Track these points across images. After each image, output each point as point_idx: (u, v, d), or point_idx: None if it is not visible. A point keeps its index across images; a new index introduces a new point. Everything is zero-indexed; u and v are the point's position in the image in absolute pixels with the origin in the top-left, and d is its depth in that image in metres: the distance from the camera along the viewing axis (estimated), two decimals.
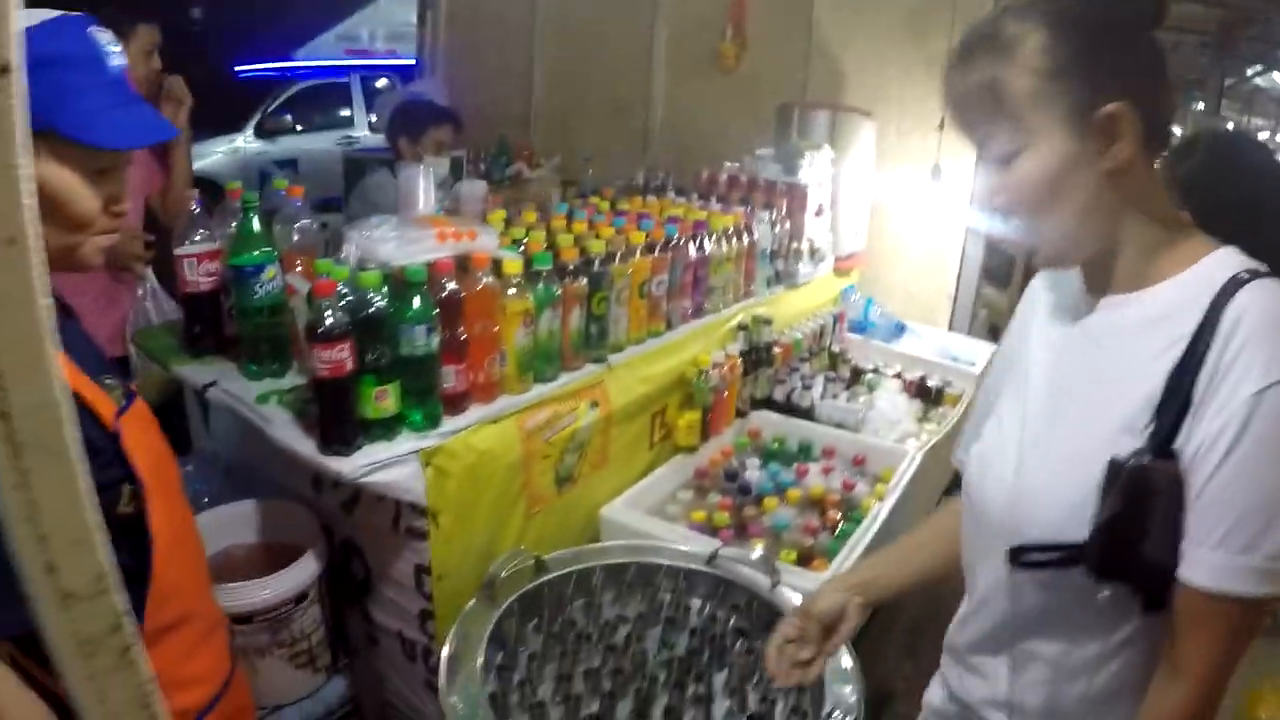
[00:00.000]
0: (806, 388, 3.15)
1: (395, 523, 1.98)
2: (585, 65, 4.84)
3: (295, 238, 2.24)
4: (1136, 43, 1.14)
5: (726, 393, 2.81)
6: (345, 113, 10.16)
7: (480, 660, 1.68)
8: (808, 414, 3.11)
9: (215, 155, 9.19)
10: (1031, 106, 1.13)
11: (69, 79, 1.28)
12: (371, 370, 1.82)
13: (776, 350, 3.11)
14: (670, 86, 4.68)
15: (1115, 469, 1.13)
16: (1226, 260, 1.16)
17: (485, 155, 4.15)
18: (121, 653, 0.75)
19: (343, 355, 1.74)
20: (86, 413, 1.29)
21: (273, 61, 9.66)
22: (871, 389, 3.38)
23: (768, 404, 3.11)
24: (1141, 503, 1.12)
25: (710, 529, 2.40)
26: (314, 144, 9.43)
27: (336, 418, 1.81)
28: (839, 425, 3.06)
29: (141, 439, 1.38)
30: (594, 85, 4.84)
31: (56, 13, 1.30)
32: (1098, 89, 1.11)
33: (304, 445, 1.87)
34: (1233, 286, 1.11)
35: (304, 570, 1.97)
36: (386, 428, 1.87)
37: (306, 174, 8.44)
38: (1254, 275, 1.12)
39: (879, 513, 2.48)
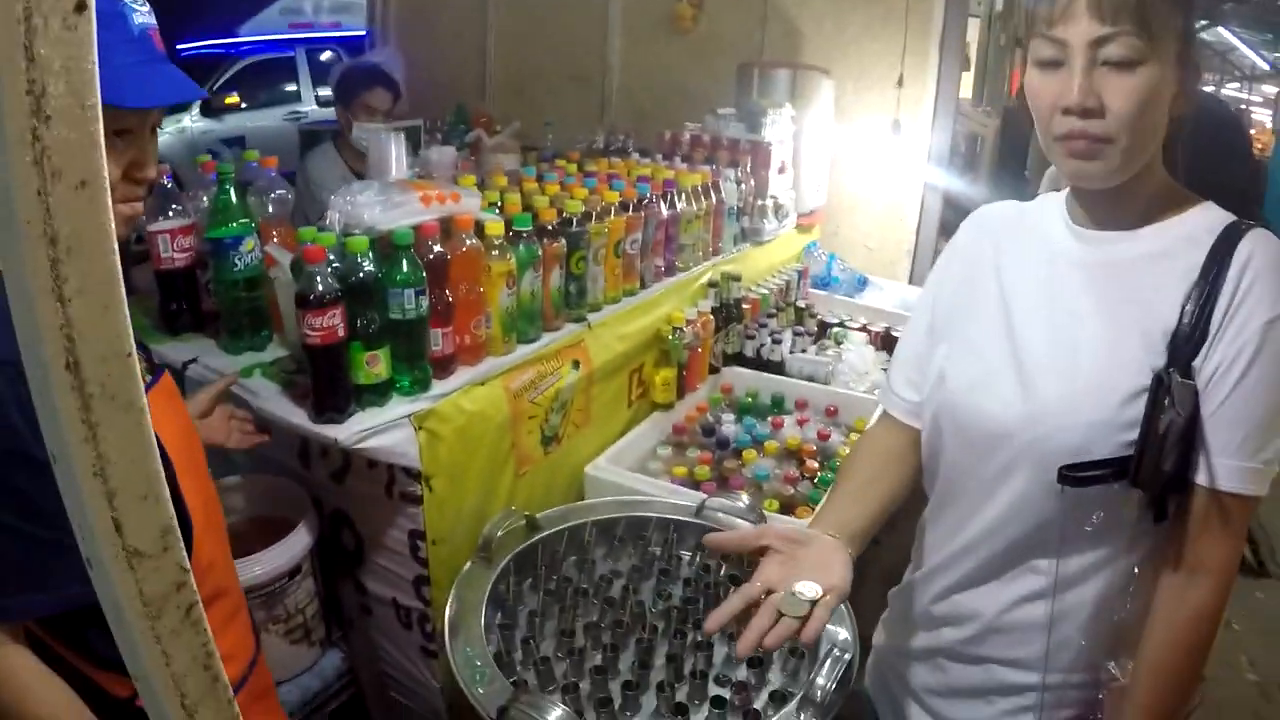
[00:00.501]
0: (776, 342, 3.18)
1: (388, 489, 1.98)
2: (540, 30, 4.81)
3: (270, 209, 2.22)
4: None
5: (700, 349, 2.84)
6: (291, 88, 9.99)
7: (481, 621, 1.69)
8: (778, 368, 3.15)
9: (161, 135, 8.93)
10: (1166, 28, 1.19)
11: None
12: (362, 336, 1.82)
13: (745, 306, 3.14)
14: (626, 49, 4.65)
15: (1161, 383, 1.23)
16: (1213, 211, 1.31)
17: (443, 123, 4.11)
18: (186, 611, 0.74)
19: (334, 322, 1.74)
20: None
21: (216, 38, 9.50)
22: (839, 342, 3.42)
23: (739, 359, 3.14)
24: (1180, 416, 1.22)
25: (693, 483, 2.43)
26: (261, 120, 9.29)
27: (330, 385, 1.81)
28: (809, 378, 3.10)
29: (169, 415, 1.37)
30: (549, 50, 4.80)
31: None
32: (1195, 37, 1.25)
33: (295, 415, 1.88)
34: (1235, 232, 1.25)
35: (296, 543, 1.96)
36: (378, 393, 1.88)
37: (255, 150, 8.31)
38: (1249, 226, 1.26)
39: None
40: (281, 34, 10.39)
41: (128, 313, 0.65)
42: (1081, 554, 1.34)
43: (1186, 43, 1.22)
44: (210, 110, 9.36)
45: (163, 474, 0.70)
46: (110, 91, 1.19)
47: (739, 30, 4.30)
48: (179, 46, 9.66)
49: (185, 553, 0.74)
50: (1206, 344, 1.23)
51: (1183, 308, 1.25)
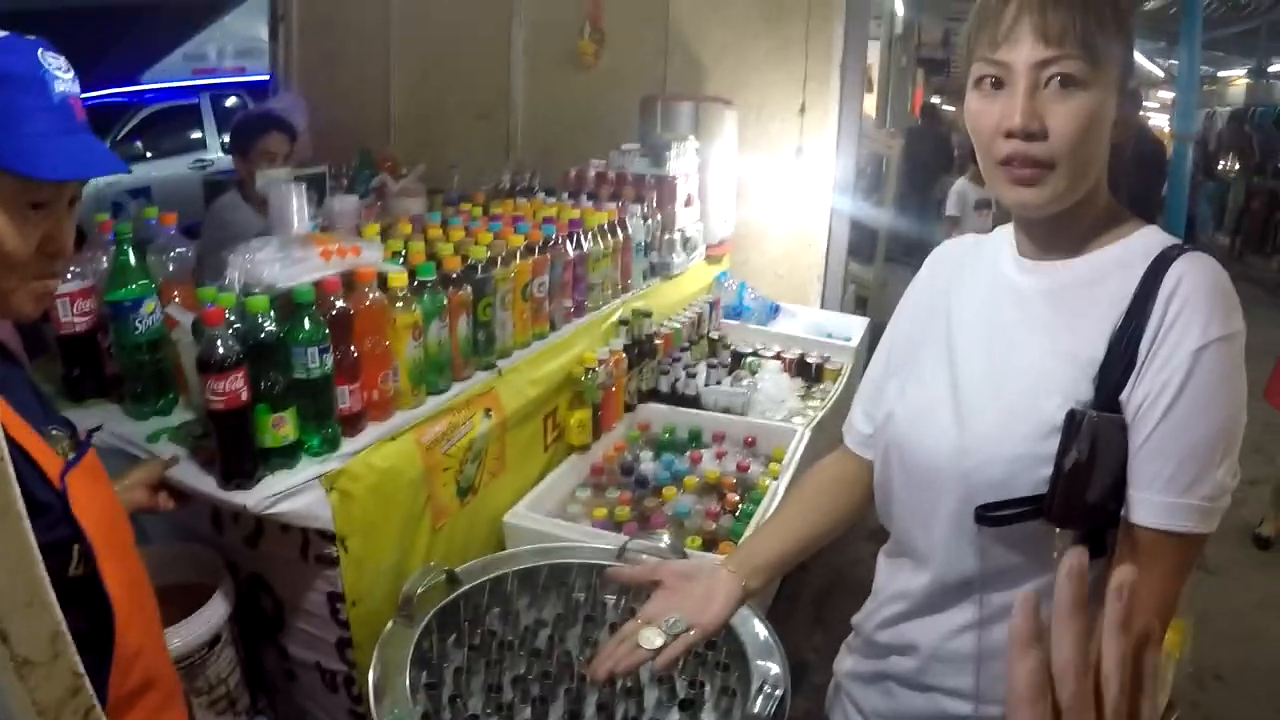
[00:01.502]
0: (691, 376, 3.20)
1: (304, 552, 1.93)
2: (443, 70, 4.79)
3: (170, 268, 2.17)
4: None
5: (614, 388, 2.84)
6: (197, 135, 9.77)
7: (406, 682, 1.66)
8: (694, 402, 3.17)
9: None
10: (1106, 51, 1.19)
11: (7, 101, 1.16)
12: (266, 397, 1.79)
13: (658, 342, 3.16)
14: (530, 87, 4.67)
15: (1075, 419, 1.22)
16: (1154, 235, 1.28)
17: (347, 169, 4.07)
18: (84, 716, 0.72)
19: (237, 385, 1.70)
20: (31, 468, 1.19)
21: (118, 86, 9.27)
22: (753, 371, 3.45)
23: (654, 395, 3.15)
24: (1094, 452, 1.21)
25: (614, 524, 2.43)
26: (166, 170, 9.09)
27: (235, 450, 1.77)
28: (726, 410, 3.12)
29: (92, 496, 1.29)
30: (453, 90, 4.79)
31: (4, 32, 1.19)
32: (1132, 57, 1.23)
33: (203, 482, 1.83)
34: (1168, 257, 1.22)
35: (214, 612, 1.89)
36: (286, 455, 1.84)
37: (160, 201, 8.04)
38: (1182, 249, 1.23)
39: (776, 490, 2.55)
40: (185, 80, 10.20)
41: None
42: (1010, 588, 1.33)
43: (1126, 69, 1.23)
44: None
45: (46, 579, 0.68)
46: (25, 161, 1.15)
47: (641, 64, 4.35)
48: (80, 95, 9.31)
49: (78, 657, 0.72)
50: (1134, 374, 1.21)
51: (1111, 336, 1.23)
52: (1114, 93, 1.22)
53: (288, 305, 1.82)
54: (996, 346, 1.35)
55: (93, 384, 2.13)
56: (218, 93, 10.09)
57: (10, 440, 1.13)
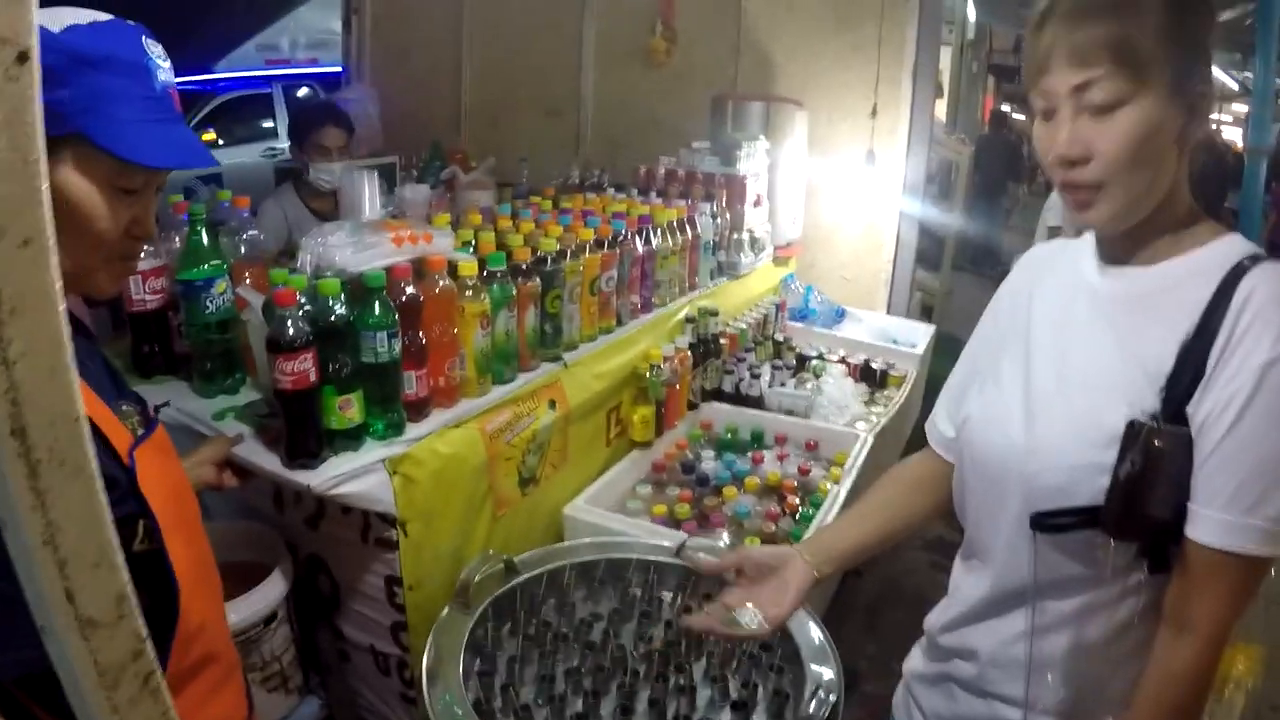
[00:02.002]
0: (755, 377, 3.17)
1: (364, 535, 1.95)
2: (515, 65, 4.81)
3: (242, 249, 2.19)
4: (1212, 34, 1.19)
5: (678, 386, 2.82)
6: (268, 124, 9.95)
7: (459, 668, 1.66)
8: (757, 403, 3.14)
9: None
10: (1150, 64, 1.15)
11: (111, 84, 1.18)
12: (334, 380, 1.80)
13: (723, 341, 3.13)
14: (600, 83, 4.67)
15: (1134, 430, 1.19)
16: (1234, 245, 1.23)
17: (418, 160, 4.10)
18: (144, 680, 0.71)
19: (306, 366, 1.71)
20: (101, 443, 1.20)
21: (193, 74, 9.43)
22: (817, 375, 3.41)
23: (717, 395, 3.12)
24: (1155, 464, 1.17)
25: (673, 521, 2.40)
26: (238, 157, 9.23)
27: (301, 430, 1.78)
28: (789, 412, 3.09)
29: (160, 472, 1.31)
30: (524, 85, 4.81)
31: (109, 16, 1.21)
32: (1197, 65, 1.17)
33: (268, 460, 1.84)
34: (1242, 268, 1.18)
35: (271, 590, 1.92)
36: (351, 438, 1.85)
37: (231, 187, 8.22)
38: (1256, 259, 1.19)
39: (837, 495, 2.51)
40: (258, 70, 10.37)
41: (76, 376, 0.62)
42: (1064, 598, 1.31)
43: (1185, 74, 1.16)
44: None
45: (116, 541, 0.68)
46: (126, 146, 1.17)
47: (712, 62, 4.33)
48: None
49: (143, 620, 0.72)
50: (1201, 386, 1.17)
51: (1181, 346, 1.19)
52: (1168, 101, 1.16)
53: (358, 289, 1.82)
54: (1070, 351, 1.33)
55: (162, 360, 2.17)
56: (290, 83, 10.23)
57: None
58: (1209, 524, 1.15)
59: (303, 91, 10.03)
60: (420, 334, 1.93)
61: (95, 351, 1.37)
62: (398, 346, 1.84)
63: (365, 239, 1.88)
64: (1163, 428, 1.17)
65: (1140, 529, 1.22)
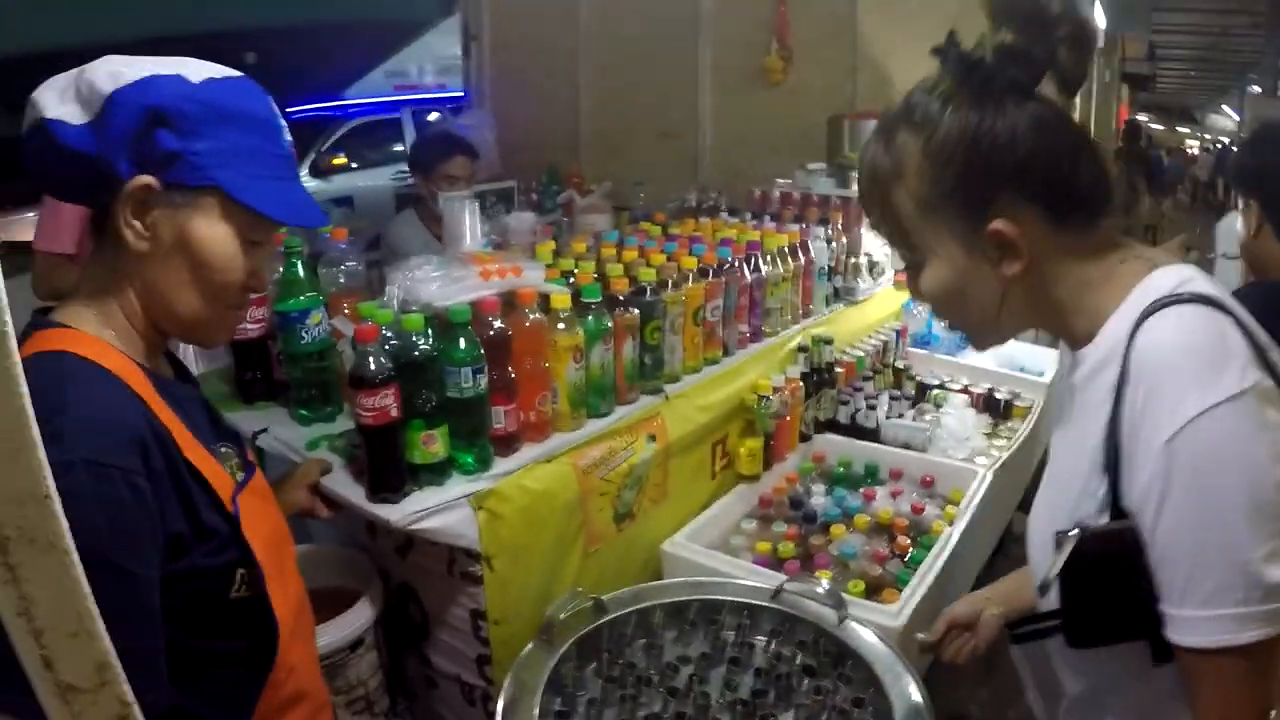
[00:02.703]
0: (871, 408, 3.06)
1: (449, 567, 1.94)
2: (631, 88, 4.81)
3: (341, 280, 2.21)
4: (1010, 145, 1.11)
5: (788, 417, 2.74)
6: (398, 148, 10.20)
7: (537, 707, 1.62)
8: (873, 435, 3.03)
9: None
10: (921, 227, 1.18)
11: (246, 141, 1.25)
12: (419, 414, 1.79)
13: (838, 370, 3.04)
14: (717, 105, 4.63)
15: (1058, 541, 1.12)
16: (1154, 286, 1.12)
17: (536, 184, 4.12)
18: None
19: (386, 402, 1.70)
20: (206, 493, 1.24)
21: (324, 101, 9.76)
22: (938, 405, 3.29)
23: (832, 426, 3.03)
24: (1098, 569, 1.09)
25: (775, 560, 2.33)
26: (369, 181, 9.49)
27: (383, 464, 1.78)
28: (905, 445, 2.97)
29: (260, 517, 1.34)
30: (641, 108, 4.80)
31: (239, 73, 1.28)
32: (978, 209, 1.13)
33: (353, 492, 1.84)
34: (1141, 319, 1.08)
35: (359, 617, 1.93)
36: (436, 472, 1.84)
37: (363, 210, 8.49)
38: (1162, 303, 1.08)
39: (950, 537, 2.39)
40: (387, 96, 10.67)
41: (42, 455, 0.62)
42: (1083, 682, 1.27)
43: (962, 236, 1.15)
44: (319, 171, 9.54)
45: (95, 611, 0.68)
46: (264, 202, 1.23)
47: (829, 81, 4.25)
48: (288, 109, 9.80)
49: (128, 687, 0.71)
50: (1123, 477, 1.08)
51: (1105, 434, 1.10)
52: (963, 255, 1.16)
53: (445, 323, 1.80)
54: (1056, 443, 1.31)
55: (263, 387, 2.22)
56: (418, 108, 10.50)
57: (186, 463, 1.20)
58: (1174, 623, 1.05)
59: (433, 116, 10.25)
60: (509, 368, 1.91)
61: (197, 395, 1.40)
62: (483, 381, 1.82)
63: (453, 273, 1.87)
64: (1095, 531, 1.09)
65: (1101, 635, 1.13)
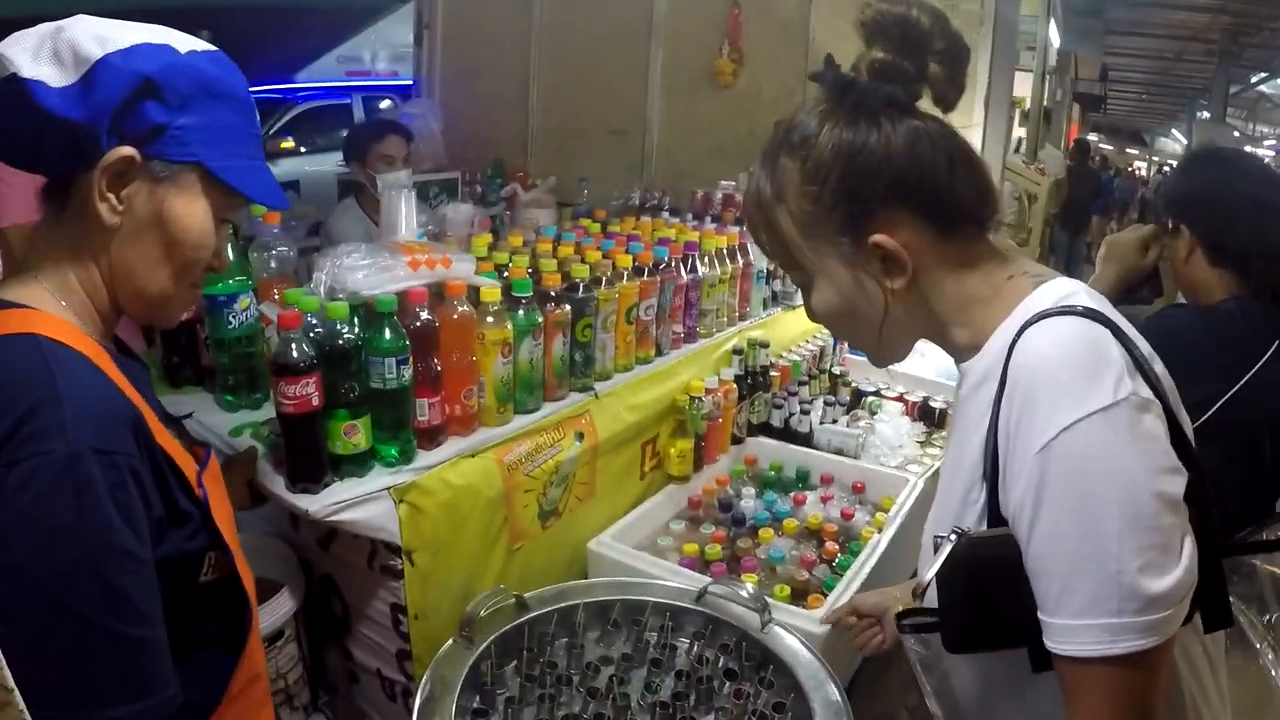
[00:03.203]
0: (805, 412, 3.08)
1: (370, 560, 1.91)
2: (582, 86, 4.79)
3: (273, 265, 2.17)
4: (886, 159, 1.14)
5: (720, 419, 2.74)
6: (347, 134, 10.10)
7: (454, 704, 1.61)
8: (806, 440, 3.04)
9: None
10: (805, 247, 1.21)
11: (229, 119, 1.23)
12: (342, 404, 1.76)
13: (774, 374, 3.05)
14: (667, 106, 4.63)
15: (936, 545, 1.14)
16: (1037, 300, 1.14)
17: (480, 176, 4.09)
18: None
19: (308, 391, 1.67)
20: (176, 476, 1.21)
21: (274, 83, 9.63)
22: (873, 412, 3.31)
23: (765, 430, 3.03)
24: (974, 574, 1.10)
25: (703, 563, 2.33)
26: (317, 165, 9.38)
27: (303, 454, 1.75)
28: (838, 451, 2.99)
29: (220, 500, 1.32)
30: (591, 106, 4.79)
31: (214, 47, 1.24)
32: (858, 224, 1.16)
33: (273, 481, 1.82)
34: (1021, 330, 1.10)
35: (279, 608, 1.89)
36: (357, 464, 1.81)
37: (308, 196, 8.39)
38: (1042, 315, 1.09)
39: (878, 544, 2.41)
40: (338, 81, 10.56)
41: None
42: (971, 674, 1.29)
43: (854, 245, 1.18)
44: (265, 155, 9.32)
45: None
46: (243, 182, 1.22)
47: (780, 86, 4.26)
48: None
49: (9, 672, 0.69)
50: (1000, 485, 1.10)
51: (984, 443, 1.13)
52: (845, 268, 1.20)
53: (372, 313, 1.78)
54: (945, 456, 1.34)
55: (191, 371, 2.17)
56: (370, 94, 10.39)
57: (159, 448, 1.17)
58: (1050, 631, 1.04)
59: (385, 103, 10.17)
60: (435, 360, 1.89)
61: (148, 379, 1.37)
62: (408, 373, 1.80)
63: (381, 261, 1.84)
64: (971, 539, 1.10)
65: (978, 641, 1.13)
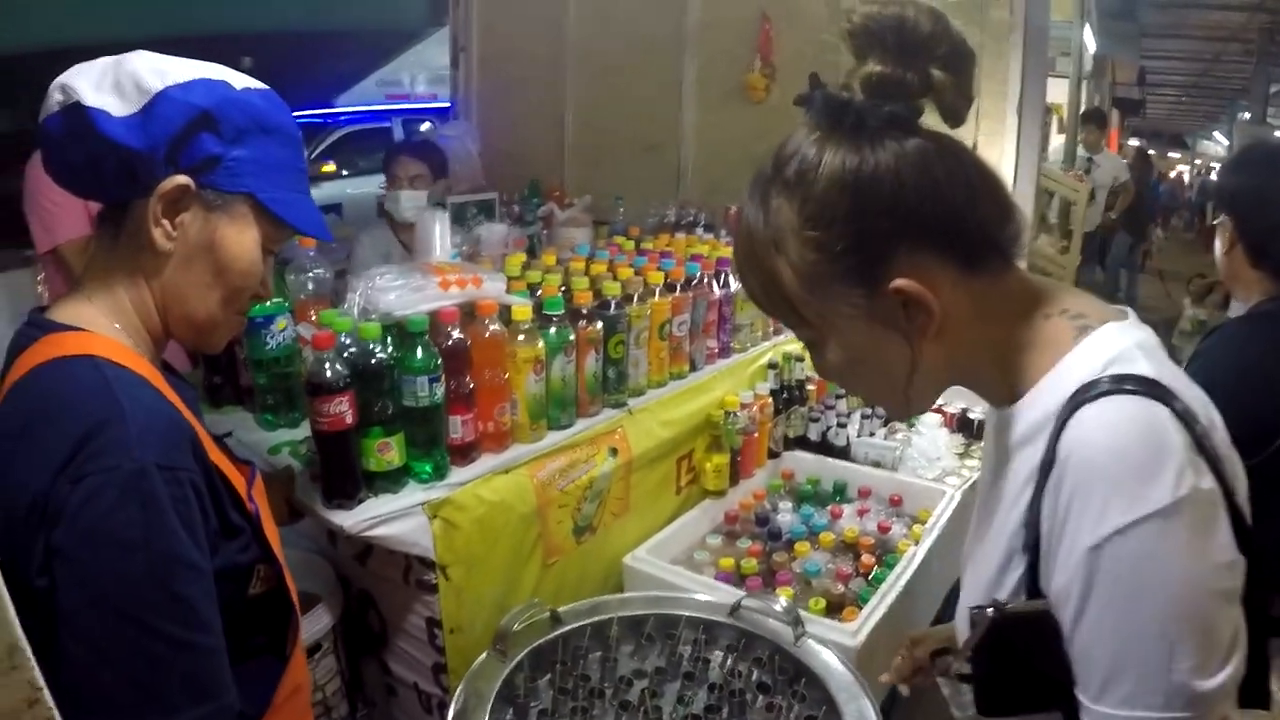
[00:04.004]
0: (842, 426, 3.07)
1: (406, 575, 1.94)
2: (615, 104, 4.81)
3: (310, 287, 2.22)
4: (897, 191, 1.00)
5: (756, 434, 2.75)
6: None
7: (487, 717, 1.62)
8: (843, 453, 3.04)
9: None
10: (811, 302, 1.06)
11: (279, 153, 1.28)
12: (376, 422, 1.79)
13: (810, 388, 3.04)
14: (700, 122, 4.62)
15: (974, 617, 1.06)
16: (1085, 361, 1.02)
17: (518, 196, 4.13)
18: (29, 705, 0.72)
19: (341, 409, 1.71)
20: (229, 491, 1.25)
21: (315, 108, 9.79)
22: (910, 425, 3.29)
23: (801, 443, 3.03)
24: (1011, 647, 1.03)
25: (738, 576, 2.33)
26: (359, 188, 9.49)
27: (338, 471, 1.79)
28: (876, 464, 2.98)
29: (267, 514, 1.37)
30: (625, 123, 4.80)
31: (265, 85, 1.30)
32: (873, 270, 1.02)
33: (310, 497, 1.85)
34: (1074, 404, 0.98)
35: (316, 622, 1.92)
36: (391, 480, 1.84)
37: (350, 219, 8.50)
38: (1093, 394, 0.97)
39: (914, 556, 2.39)
40: (378, 104, 10.70)
41: None
42: None
43: (870, 294, 1.03)
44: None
45: (5, 596, 0.68)
46: (293, 214, 1.28)
47: None
48: None
49: (38, 671, 0.72)
50: (1042, 562, 1.01)
51: (1025, 513, 1.03)
52: (862, 320, 1.05)
53: (404, 332, 1.82)
54: (982, 501, 1.22)
55: (231, 391, 2.23)
56: (409, 118, 10.51)
57: (212, 465, 1.21)
58: (1091, 716, 0.97)
59: (425, 126, 10.29)
60: (468, 378, 1.92)
61: (195, 396, 1.42)
62: (440, 391, 1.83)
63: (413, 282, 1.88)
64: (1007, 612, 1.03)
65: (1013, 707, 1.08)
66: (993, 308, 1.07)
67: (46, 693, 0.71)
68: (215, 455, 1.23)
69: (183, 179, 1.19)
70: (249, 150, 1.24)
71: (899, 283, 1.01)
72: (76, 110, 1.16)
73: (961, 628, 1.16)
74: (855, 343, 1.07)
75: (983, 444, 1.32)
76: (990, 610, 1.04)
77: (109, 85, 1.17)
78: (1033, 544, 1.02)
